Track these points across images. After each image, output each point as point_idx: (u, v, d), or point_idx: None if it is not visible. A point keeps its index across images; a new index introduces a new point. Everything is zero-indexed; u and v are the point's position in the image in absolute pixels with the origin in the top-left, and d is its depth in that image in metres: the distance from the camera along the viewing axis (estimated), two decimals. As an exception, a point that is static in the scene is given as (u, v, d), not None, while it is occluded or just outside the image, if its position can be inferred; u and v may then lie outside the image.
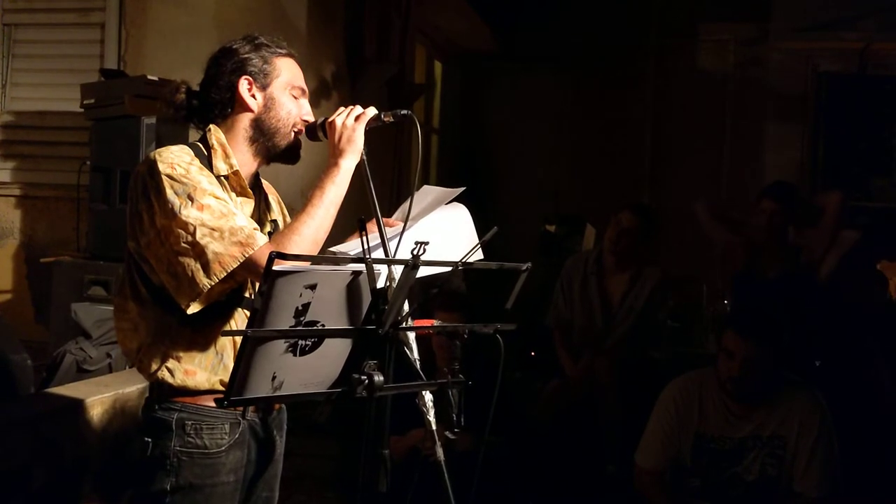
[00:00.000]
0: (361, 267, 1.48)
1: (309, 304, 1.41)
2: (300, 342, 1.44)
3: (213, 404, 1.77)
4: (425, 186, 1.92)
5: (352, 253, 1.78)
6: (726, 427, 2.91)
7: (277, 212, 2.02)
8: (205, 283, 1.67)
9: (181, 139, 2.10)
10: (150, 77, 4.01)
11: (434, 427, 1.69)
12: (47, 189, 4.94)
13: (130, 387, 3.15)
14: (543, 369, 4.36)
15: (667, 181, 6.97)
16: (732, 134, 6.89)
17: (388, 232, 1.75)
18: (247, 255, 1.67)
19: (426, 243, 1.46)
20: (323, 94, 4.85)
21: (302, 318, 1.42)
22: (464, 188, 1.90)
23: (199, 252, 1.67)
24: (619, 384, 3.94)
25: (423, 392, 1.68)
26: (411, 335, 1.69)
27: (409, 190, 1.78)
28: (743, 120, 6.81)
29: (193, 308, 1.70)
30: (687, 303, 5.60)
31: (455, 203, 1.94)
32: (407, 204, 1.76)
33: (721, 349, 2.90)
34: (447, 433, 1.70)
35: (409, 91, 5.97)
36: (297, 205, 1.88)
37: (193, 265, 1.67)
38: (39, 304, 4.72)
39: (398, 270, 1.53)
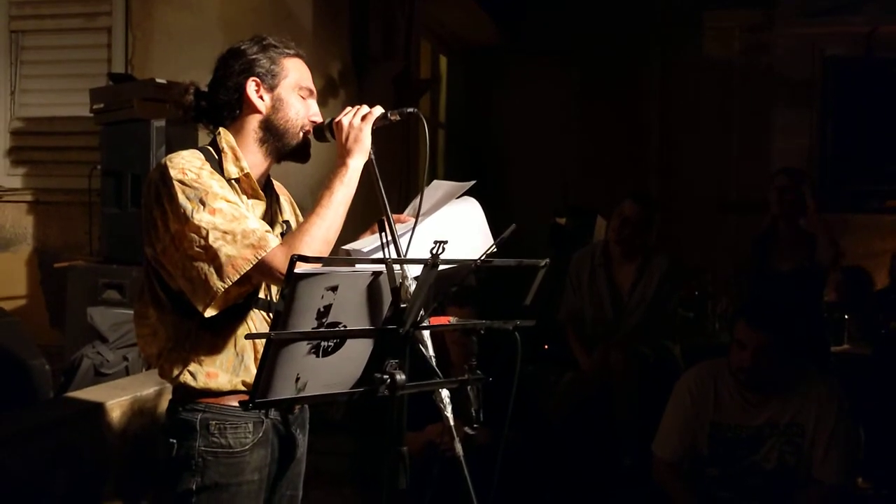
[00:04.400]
0: (382, 267, 1.49)
1: (330, 305, 1.41)
2: (323, 343, 1.45)
3: (236, 404, 1.79)
4: (435, 181, 1.91)
5: (366, 250, 1.79)
6: (742, 416, 2.91)
7: (289, 212, 2.03)
8: (218, 286, 1.68)
9: (191, 142, 2.11)
10: (158, 80, 4.01)
11: (452, 422, 1.70)
12: (59, 194, 4.96)
13: (148, 389, 3.16)
14: (558, 363, 4.36)
15: (675, 170, 6.95)
16: (740, 121, 6.86)
17: (400, 228, 1.76)
18: (259, 258, 1.68)
19: (445, 242, 1.46)
20: (330, 92, 4.85)
21: (324, 320, 1.42)
22: (474, 181, 1.90)
23: (211, 256, 1.68)
24: (633, 376, 3.94)
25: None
26: (426, 332, 1.69)
27: (418, 187, 1.79)
28: (750, 107, 6.78)
29: (210, 311, 1.72)
30: (698, 292, 5.59)
31: (466, 197, 1.94)
32: (418, 199, 1.77)
33: (733, 339, 2.91)
34: (466, 429, 1.71)
35: (416, 87, 5.97)
36: (307, 204, 1.88)
37: (207, 269, 1.68)
38: (54, 308, 4.74)
39: (411, 268, 1.54)
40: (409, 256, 1.68)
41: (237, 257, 1.68)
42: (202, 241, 1.68)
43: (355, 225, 1.92)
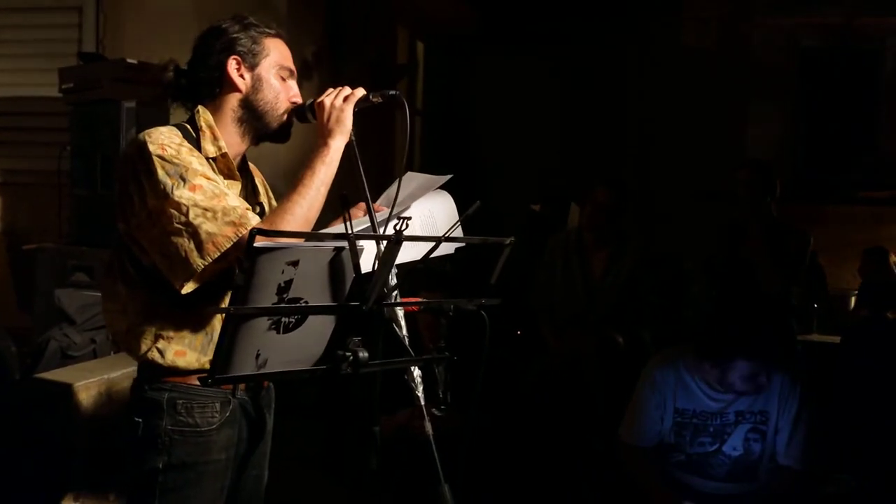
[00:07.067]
0: (343, 243, 1.48)
1: (291, 280, 1.40)
2: (283, 319, 1.43)
3: None
4: (409, 173, 1.91)
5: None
6: (707, 402, 2.92)
7: (263, 195, 2.02)
8: (198, 263, 1.67)
9: (161, 123, 2.09)
10: (129, 60, 3.97)
11: (423, 402, 1.70)
12: (28, 175, 4.90)
13: (116, 371, 3.14)
14: (530, 348, 4.38)
15: (652, 158, 6.98)
16: (716, 111, 6.90)
17: (376, 217, 1.75)
18: (240, 235, 1.67)
19: (409, 219, 1.46)
20: (304, 75, 4.81)
21: (285, 295, 1.41)
22: (450, 175, 1.90)
23: (192, 232, 1.66)
24: (605, 361, 3.96)
25: (412, 368, 1.68)
26: (400, 312, 1.69)
27: (394, 173, 1.78)
28: (726, 96, 6.82)
29: (188, 288, 1.70)
30: (671, 280, 5.62)
31: (440, 191, 1.94)
32: (392, 189, 1.76)
33: None
34: (434, 410, 1.71)
35: (393, 72, 5.95)
36: (279, 186, 1.86)
37: (187, 245, 1.67)
38: (22, 291, 4.69)
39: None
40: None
41: (218, 234, 1.67)
42: (182, 218, 1.67)
43: (332, 209, 1.90)
